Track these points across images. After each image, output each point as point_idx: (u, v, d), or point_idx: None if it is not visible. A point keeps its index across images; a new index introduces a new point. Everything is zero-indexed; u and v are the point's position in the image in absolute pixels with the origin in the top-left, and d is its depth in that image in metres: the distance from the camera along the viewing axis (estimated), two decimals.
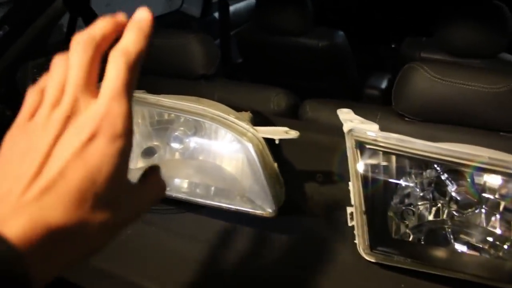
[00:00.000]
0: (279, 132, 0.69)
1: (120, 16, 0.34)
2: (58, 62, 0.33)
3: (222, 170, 0.81)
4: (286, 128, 0.70)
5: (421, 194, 0.69)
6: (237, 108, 0.83)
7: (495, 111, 0.91)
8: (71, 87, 0.31)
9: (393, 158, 0.62)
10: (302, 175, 0.86)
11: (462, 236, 0.70)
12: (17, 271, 0.26)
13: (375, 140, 0.62)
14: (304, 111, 1.09)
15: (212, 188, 0.76)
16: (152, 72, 1.26)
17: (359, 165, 0.62)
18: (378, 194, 0.63)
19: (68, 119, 0.31)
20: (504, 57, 1.64)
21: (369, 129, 0.63)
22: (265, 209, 0.68)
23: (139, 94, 0.80)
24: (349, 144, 0.63)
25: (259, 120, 0.94)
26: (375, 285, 0.64)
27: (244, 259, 0.68)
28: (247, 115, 0.84)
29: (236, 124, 0.70)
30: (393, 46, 2.62)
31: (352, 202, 0.64)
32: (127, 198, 0.33)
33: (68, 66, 0.32)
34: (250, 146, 0.67)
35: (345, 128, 0.65)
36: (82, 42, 0.32)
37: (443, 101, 0.92)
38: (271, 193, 0.67)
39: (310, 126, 1.04)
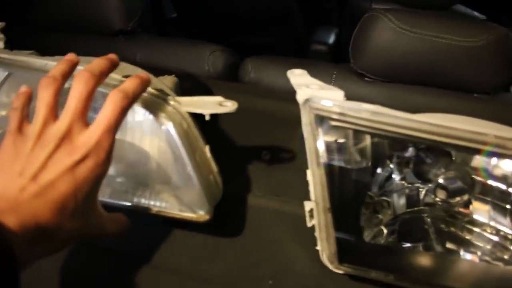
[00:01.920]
0: (210, 104, 0.51)
1: (113, 57, 0.44)
2: (46, 85, 0.39)
3: (142, 154, 0.62)
4: (220, 98, 0.52)
5: (398, 179, 0.54)
6: (164, 70, 0.64)
7: (470, 68, 0.77)
8: (69, 114, 0.38)
9: (367, 137, 0.46)
10: (244, 153, 0.68)
11: (442, 226, 0.56)
12: (8, 253, 0.30)
13: (342, 114, 0.45)
14: (245, 71, 0.90)
15: (131, 181, 0.57)
16: (58, 28, 1.02)
17: (321, 148, 0.46)
18: (347, 186, 0.47)
19: (63, 139, 0.37)
20: (459, 8, 1.52)
21: (333, 98, 0.46)
22: (195, 210, 0.50)
23: (21, 57, 0.58)
24: (306, 119, 0.46)
25: (189, 85, 0.75)
26: None
27: (165, 277, 0.50)
28: (170, 80, 0.64)
29: (151, 95, 0.51)
30: None
31: (312, 196, 0.48)
32: (93, 217, 0.40)
33: (55, 90, 0.39)
34: (170, 126, 0.48)
35: (300, 97, 0.48)
36: (85, 77, 0.39)
37: (411, 57, 0.77)
38: (202, 188, 0.49)
39: (253, 89, 0.86)
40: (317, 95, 0.46)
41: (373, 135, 0.46)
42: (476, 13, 1.55)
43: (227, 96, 0.51)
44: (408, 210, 0.56)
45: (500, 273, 0.49)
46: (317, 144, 0.45)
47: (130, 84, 0.41)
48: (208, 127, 0.54)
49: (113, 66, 0.43)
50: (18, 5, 1.06)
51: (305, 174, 0.56)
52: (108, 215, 0.44)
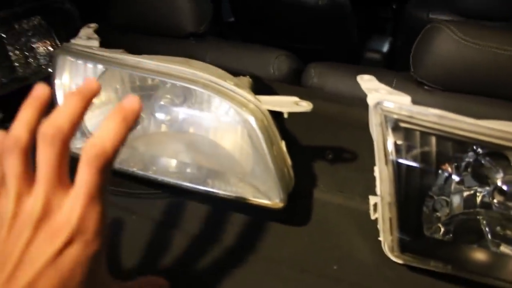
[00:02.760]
0: (287, 103, 0.56)
1: (89, 88, 0.32)
2: (10, 149, 0.31)
3: (217, 147, 0.68)
4: (296, 98, 0.57)
5: (457, 180, 0.58)
6: (233, 72, 0.70)
7: None
8: (42, 187, 0.30)
9: (433, 139, 0.50)
10: (309, 152, 0.73)
11: (498, 229, 0.59)
12: None
13: (411, 117, 0.49)
14: (309, 76, 0.95)
15: (205, 170, 0.64)
16: (134, 29, 1.11)
17: (389, 147, 0.50)
18: (412, 184, 0.51)
19: (40, 221, 0.29)
20: None
21: (401, 102, 0.51)
22: (272, 198, 0.56)
23: (116, 55, 0.66)
24: (377, 120, 0.51)
25: (258, 87, 0.81)
26: None
27: (239, 257, 0.56)
28: (246, 80, 0.71)
29: (235, 93, 0.57)
30: (394, 6, 2.46)
31: (378, 191, 0.53)
32: None
33: (22, 154, 0.31)
34: (252, 120, 0.54)
35: (371, 100, 0.53)
36: (50, 137, 0.30)
37: (472, 68, 0.80)
38: (278, 179, 0.55)
39: (316, 93, 0.91)
40: (387, 99, 0.51)
41: (438, 137, 0.50)
42: None
43: None
44: (465, 211, 0.59)
45: None
46: (387, 143, 0.50)
47: (106, 132, 0.31)
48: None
49: (87, 105, 0.33)
50: (98, 7, 1.15)
51: (366, 173, 0.61)
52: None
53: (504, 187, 0.54)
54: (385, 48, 1.85)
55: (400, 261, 0.53)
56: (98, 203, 0.30)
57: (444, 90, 0.85)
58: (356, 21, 1.92)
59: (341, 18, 1.80)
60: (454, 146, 0.51)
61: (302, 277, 0.53)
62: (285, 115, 0.55)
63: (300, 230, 0.60)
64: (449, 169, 0.56)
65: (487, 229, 0.58)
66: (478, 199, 0.59)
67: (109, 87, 0.71)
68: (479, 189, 0.58)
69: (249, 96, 0.57)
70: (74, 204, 0.30)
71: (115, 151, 0.31)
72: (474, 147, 0.55)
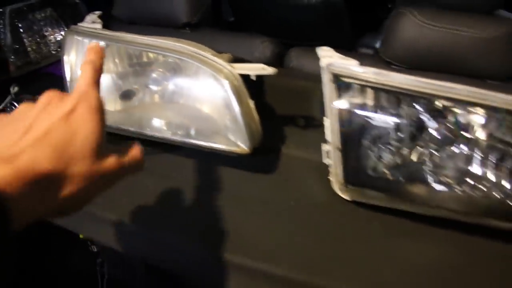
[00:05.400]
0: (255, 68, 0.67)
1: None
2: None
3: (201, 112, 0.79)
4: (262, 65, 0.68)
5: (399, 133, 0.68)
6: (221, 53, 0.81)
7: (483, 58, 0.89)
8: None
9: (371, 93, 0.61)
10: (283, 120, 0.84)
11: (440, 177, 0.69)
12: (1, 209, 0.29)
13: (353, 74, 0.60)
14: (289, 59, 1.06)
15: (192, 129, 0.75)
16: (132, 20, 1.22)
17: (335, 101, 0.61)
18: (354, 131, 0.62)
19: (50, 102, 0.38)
20: (502, 14, 1.60)
21: (348, 64, 0.62)
22: (240, 145, 0.66)
23: (116, 33, 0.78)
24: (326, 78, 0.62)
25: None
26: (348, 221, 0.63)
27: (216, 197, 0.67)
28: (226, 56, 0.81)
29: (213, 61, 0.68)
30: (389, 6, 2.56)
31: (328, 138, 0.63)
32: (103, 156, 0.39)
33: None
34: (226, 83, 0.65)
35: (323, 63, 0.63)
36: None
37: (431, 48, 0.90)
38: (246, 130, 0.65)
39: (293, 72, 1.02)
40: (336, 61, 0.62)
41: (375, 90, 0.60)
42: None
43: (273, 77, 0.68)
44: (411, 161, 0.69)
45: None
46: (333, 98, 0.60)
47: (91, 56, 0.43)
48: (257, 100, 0.71)
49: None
50: (102, 2, 1.27)
51: None
52: (120, 149, 0.43)
53: (435, 135, 0.64)
54: (378, 44, 1.92)
55: (346, 197, 0.63)
56: (94, 88, 0.40)
57: (409, 68, 0.95)
58: (351, 20, 2.01)
59: (334, 16, 1.90)
60: (390, 100, 0.62)
61: (264, 210, 0.64)
62: (252, 77, 0.65)
63: (266, 176, 0.71)
64: (390, 121, 0.66)
65: (430, 176, 0.68)
66: (422, 151, 0.68)
67: (109, 60, 0.82)
68: (420, 141, 0.68)
69: (224, 63, 0.68)
70: (77, 89, 0.40)
71: (99, 64, 0.43)
72: (414, 104, 0.65)
